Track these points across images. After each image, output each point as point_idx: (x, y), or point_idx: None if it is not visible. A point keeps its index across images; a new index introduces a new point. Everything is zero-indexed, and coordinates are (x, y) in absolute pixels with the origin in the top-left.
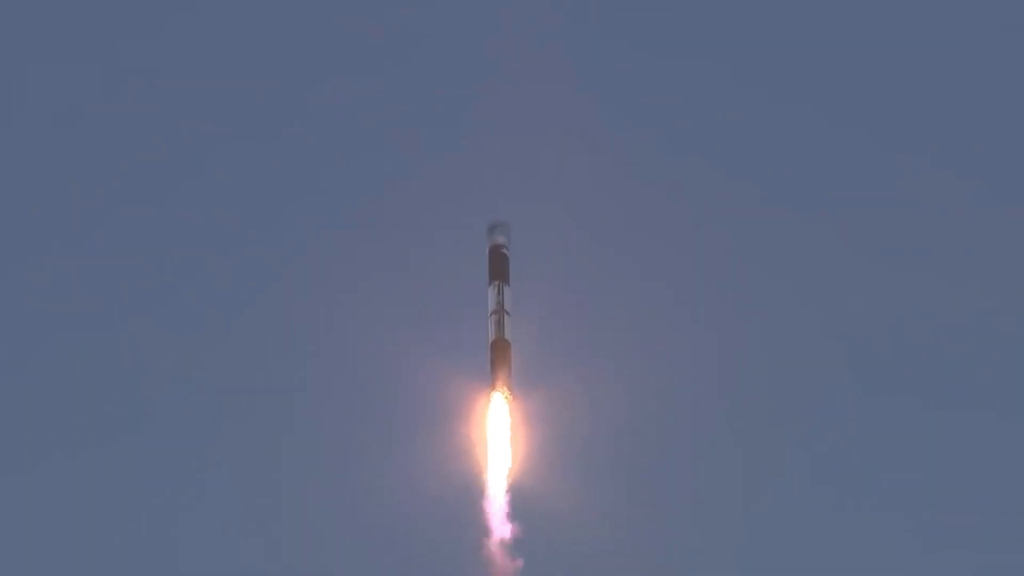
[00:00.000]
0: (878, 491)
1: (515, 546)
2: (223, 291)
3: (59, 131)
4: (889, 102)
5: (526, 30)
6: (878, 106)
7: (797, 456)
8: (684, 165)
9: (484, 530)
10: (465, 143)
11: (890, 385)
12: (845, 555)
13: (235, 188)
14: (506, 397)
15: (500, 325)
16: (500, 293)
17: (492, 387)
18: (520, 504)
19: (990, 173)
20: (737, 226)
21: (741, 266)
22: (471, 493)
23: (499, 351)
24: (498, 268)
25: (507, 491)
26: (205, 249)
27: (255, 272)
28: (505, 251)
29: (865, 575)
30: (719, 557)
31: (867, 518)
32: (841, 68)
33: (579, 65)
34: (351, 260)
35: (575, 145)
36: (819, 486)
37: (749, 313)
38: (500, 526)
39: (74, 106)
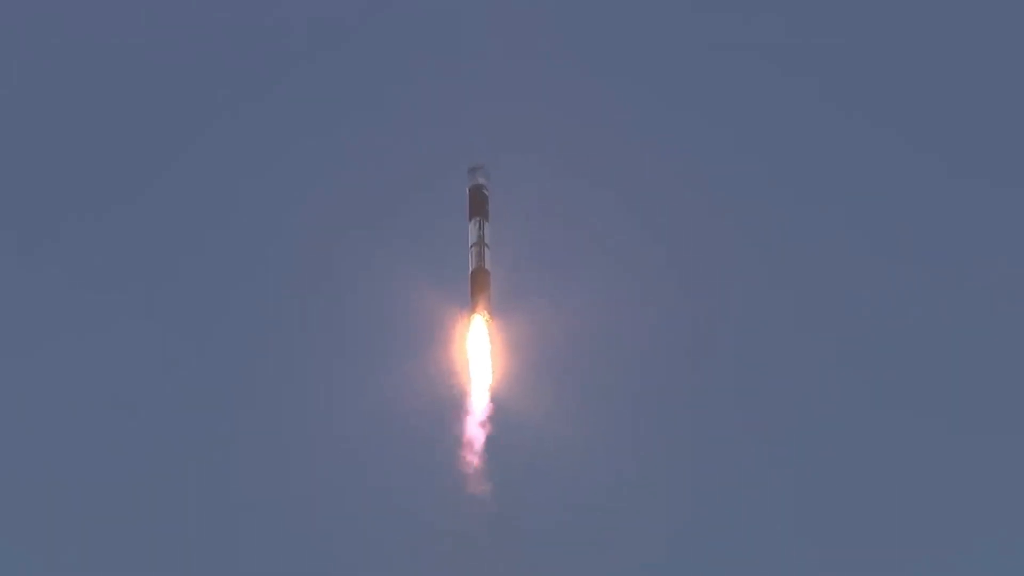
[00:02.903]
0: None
1: (489, 447)
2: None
3: None
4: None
5: None
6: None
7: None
8: (654, 109)
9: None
10: (450, 90)
11: None
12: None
13: (234, 137)
14: (485, 320)
15: (480, 256)
16: (480, 228)
17: (473, 311)
18: (497, 409)
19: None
20: (704, 166)
21: (706, 199)
22: (455, 399)
23: (479, 279)
24: (478, 205)
25: (487, 399)
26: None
27: (258, 209)
28: (485, 190)
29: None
30: (681, 463)
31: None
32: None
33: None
34: (347, 201)
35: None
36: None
37: (712, 242)
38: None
39: None
